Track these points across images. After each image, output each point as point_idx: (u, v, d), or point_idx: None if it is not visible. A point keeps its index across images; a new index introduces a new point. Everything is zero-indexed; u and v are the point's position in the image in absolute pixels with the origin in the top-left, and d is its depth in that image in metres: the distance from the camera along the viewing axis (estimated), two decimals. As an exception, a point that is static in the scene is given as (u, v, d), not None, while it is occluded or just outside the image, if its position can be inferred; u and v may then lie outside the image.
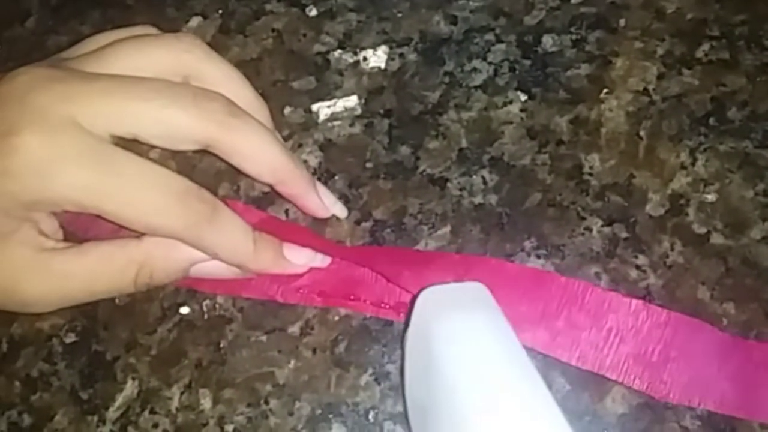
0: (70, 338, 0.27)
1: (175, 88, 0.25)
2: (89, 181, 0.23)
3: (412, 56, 0.32)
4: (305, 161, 0.30)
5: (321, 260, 0.28)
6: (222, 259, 0.26)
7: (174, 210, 0.24)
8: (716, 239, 0.27)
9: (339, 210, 0.29)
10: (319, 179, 0.29)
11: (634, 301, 0.26)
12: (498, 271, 0.27)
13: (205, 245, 0.25)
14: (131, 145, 0.24)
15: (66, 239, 0.26)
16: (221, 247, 0.25)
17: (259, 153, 0.26)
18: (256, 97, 0.28)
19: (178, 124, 0.24)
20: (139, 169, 0.24)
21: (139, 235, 0.25)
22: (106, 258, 0.25)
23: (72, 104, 0.24)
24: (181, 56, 0.26)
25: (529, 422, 0.19)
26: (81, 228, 0.27)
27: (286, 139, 0.30)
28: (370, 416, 0.25)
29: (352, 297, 0.27)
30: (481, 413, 0.19)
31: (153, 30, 0.28)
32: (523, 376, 0.20)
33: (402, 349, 0.25)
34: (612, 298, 0.26)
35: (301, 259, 0.27)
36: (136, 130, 0.24)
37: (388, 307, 0.27)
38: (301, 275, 0.27)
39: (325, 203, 0.28)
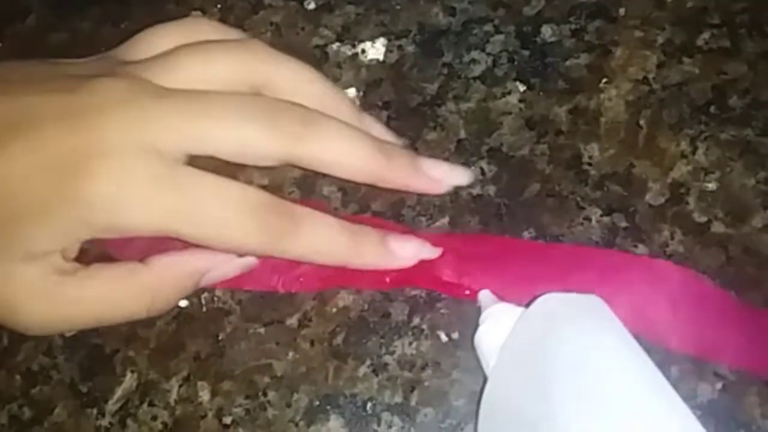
0: (70, 332, 0.28)
1: (249, 104, 0.25)
2: (165, 208, 0.23)
3: (410, 48, 0.32)
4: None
5: (430, 251, 0.26)
6: (320, 263, 0.25)
7: (252, 227, 0.24)
8: (717, 228, 0.27)
9: (459, 176, 0.27)
10: (316, 173, 0.29)
11: (643, 259, 0.26)
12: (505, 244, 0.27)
13: (296, 256, 0.25)
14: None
15: (97, 258, 0.25)
16: (316, 253, 0.25)
17: (343, 159, 0.25)
18: (330, 89, 0.27)
19: (255, 144, 0.24)
20: (215, 190, 0.23)
21: (144, 259, 0.25)
22: (116, 283, 0.24)
23: (147, 128, 0.23)
24: (248, 65, 0.26)
25: None
26: (115, 246, 0.26)
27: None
28: (368, 407, 0.25)
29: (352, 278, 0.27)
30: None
31: (204, 22, 0.28)
32: (657, 390, 0.20)
33: (479, 352, 0.24)
34: (620, 259, 0.26)
35: (408, 251, 0.26)
36: (213, 151, 0.24)
37: (387, 280, 0.27)
38: (300, 264, 0.27)
39: (439, 177, 0.27)
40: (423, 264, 0.27)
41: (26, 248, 0.23)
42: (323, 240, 0.25)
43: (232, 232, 0.24)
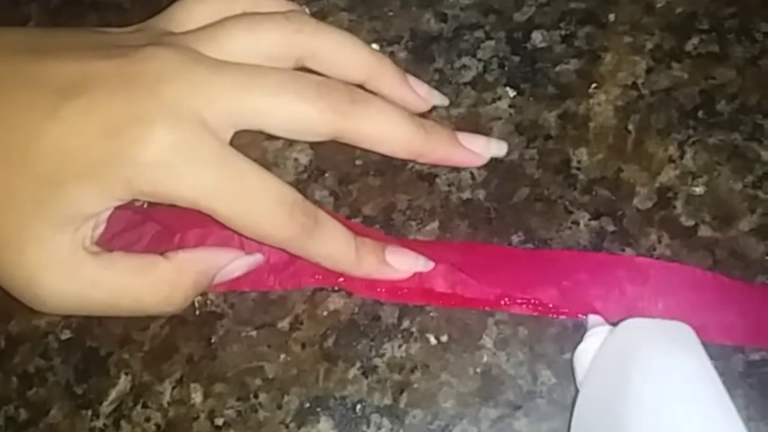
0: (66, 335, 0.28)
1: (298, 80, 0.25)
2: (210, 184, 0.24)
3: (402, 54, 0.32)
4: (296, 159, 0.30)
5: (424, 264, 0.27)
6: (325, 266, 0.26)
7: (282, 221, 0.24)
8: (704, 232, 0.27)
9: (496, 148, 0.29)
10: (308, 177, 0.30)
11: (626, 257, 0.27)
12: (497, 253, 0.28)
13: (307, 254, 0.26)
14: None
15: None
16: (324, 256, 0.26)
17: (387, 134, 0.26)
18: (373, 55, 0.28)
19: (304, 119, 0.25)
20: (258, 178, 0.24)
21: (163, 252, 0.25)
22: (136, 272, 0.25)
23: (199, 99, 0.24)
24: (292, 37, 0.26)
25: None
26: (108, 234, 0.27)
27: (276, 137, 0.30)
28: (358, 409, 0.26)
29: (341, 279, 0.27)
30: None
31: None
32: (729, 425, 0.20)
33: (575, 366, 0.24)
34: (605, 258, 0.27)
35: (404, 264, 0.27)
36: (262, 125, 0.25)
37: (381, 291, 0.27)
38: (294, 261, 0.27)
39: (478, 150, 0.28)
40: (416, 275, 0.27)
41: (66, 211, 0.23)
42: (336, 246, 0.26)
43: (265, 222, 0.24)
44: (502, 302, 0.26)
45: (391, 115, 0.27)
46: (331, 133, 0.26)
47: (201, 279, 0.26)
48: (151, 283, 0.25)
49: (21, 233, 0.23)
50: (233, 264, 0.27)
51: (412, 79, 0.29)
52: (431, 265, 0.27)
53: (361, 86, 0.28)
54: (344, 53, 0.27)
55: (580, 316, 0.26)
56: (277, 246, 0.25)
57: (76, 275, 0.24)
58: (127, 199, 0.24)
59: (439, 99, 0.30)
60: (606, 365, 0.23)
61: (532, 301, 0.26)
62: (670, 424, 0.20)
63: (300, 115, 0.25)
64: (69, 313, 0.26)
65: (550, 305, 0.26)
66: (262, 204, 0.24)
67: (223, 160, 0.24)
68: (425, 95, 0.29)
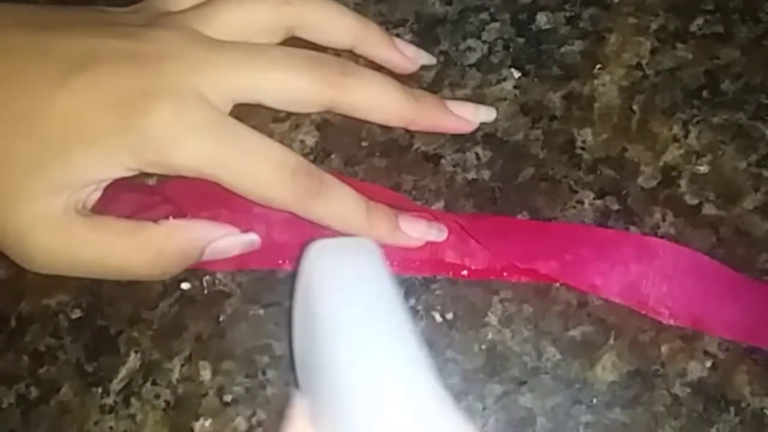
0: (76, 314, 0.28)
1: (293, 56, 0.27)
2: (213, 151, 0.25)
3: (407, 36, 0.32)
4: (302, 141, 0.30)
5: (437, 233, 0.28)
6: (335, 228, 0.27)
7: (286, 184, 0.25)
8: (708, 210, 0.27)
9: (484, 113, 0.29)
10: (315, 159, 0.30)
11: (636, 236, 0.27)
12: (505, 222, 0.28)
13: (316, 217, 0.26)
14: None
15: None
16: (332, 218, 0.26)
17: (378, 103, 0.28)
18: (359, 20, 0.29)
19: (300, 91, 0.27)
20: (259, 143, 0.25)
21: (156, 219, 0.26)
22: (125, 233, 0.26)
23: (199, 76, 0.25)
24: (281, 9, 0.28)
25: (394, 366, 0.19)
26: (95, 209, 0.27)
27: (283, 119, 0.31)
28: (364, 385, 0.26)
29: None
30: (353, 364, 0.18)
31: None
32: (392, 322, 0.20)
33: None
34: (613, 235, 0.27)
35: (416, 231, 0.27)
36: (259, 98, 0.27)
37: (393, 264, 0.27)
38: (304, 242, 0.27)
39: (467, 116, 0.29)
40: (427, 246, 0.27)
41: (68, 175, 0.25)
42: (344, 208, 0.27)
43: (268, 186, 0.25)
44: (505, 274, 0.27)
45: (382, 85, 0.28)
46: (324, 104, 0.27)
47: (189, 248, 0.27)
48: (138, 245, 0.26)
49: (18, 189, 0.25)
50: (226, 241, 0.27)
51: (399, 42, 0.30)
52: (444, 233, 0.27)
53: (350, 52, 0.29)
54: (331, 21, 0.29)
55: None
56: (285, 209, 0.26)
57: (66, 233, 0.25)
58: (132, 168, 0.25)
59: (426, 59, 0.31)
60: (298, 292, 0.22)
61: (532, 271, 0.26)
62: (344, 318, 0.19)
63: (294, 88, 0.26)
64: (56, 272, 0.26)
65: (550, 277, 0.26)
66: (263, 168, 0.25)
67: (223, 128, 0.25)
68: (413, 56, 0.30)
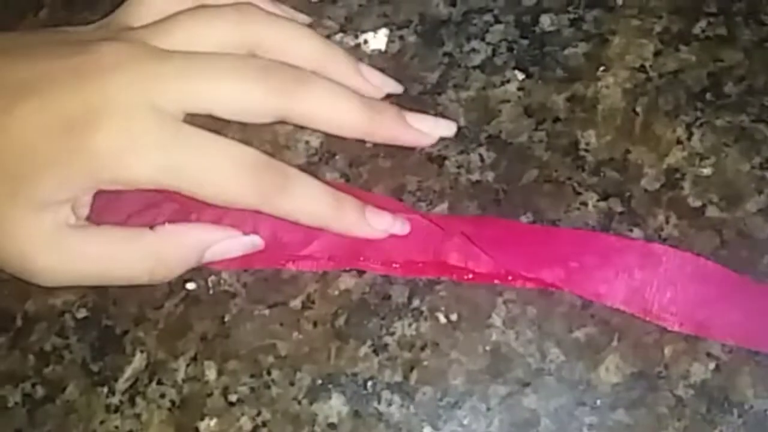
0: (82, 313, 0.28)
1: (244, 63, 0.26)
2: (166, 161, 0.25)
3: (411, 38, 0.32)
4: (307, 142, 0.30)
5: (401, 227, 0.28)
6: (305, 223, 0.27)
7: (247, 181, 0.25)
8: (711, 212, 0.27)
9: (444, 128, 0.29)
10: (320, 159, 0.30)
11: (640, 242, 0.27)
12: (509, 228, 0.28)
13: (284, 212, 0.26)
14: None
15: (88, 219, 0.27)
16: (301, 212, 0.26)
17: (335, 115, 0.27)
18: (325, 45, 0.29)
19: (252, 100, 0.26)
20: (213, 145, 0.25)
21: (151, 225, 0.26)
22: (121, 244, 0.26)
23: (148, 87, 0.25)
24: (241, 26, 0.27)
25: None
26: (99, 208, 0.27)
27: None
28: (369, 386, 0.26)
29: (361, 258, 0.28)
30: None
31: None
32: None
33: None
34: (617, 242, 0.27)
35: (381, 224, 0.27)
36: (211, 108, 0.26)
37: (397, 266, 0.27)
38: (310, 242, 0.28)
39: (425, 130, 0.29)
40: (431, 248, 0.27)
41: (38, 198, 0.25)
42: (312, 201, 0.26)
43: (229, 187, 0.25)
44: (510, 278, 0.27)
45: (338, 95, 0.27)
46: (277, 113, 0.27)
47: (186, 253, 0.27)
48: (136, 255, 0.26)
49: (3, 221, 0.25)
50: (226, 243, 0.27)
51: (364, 68, 0.30)
52: (407, 228, 0.28)
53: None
54: (294, 43, 0.28)
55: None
56: (252, 208, 0.26)
57: (65, 250, 0.25)
58: (92, 187, 0.25)
59: (392, 86, 0.30)
60: None
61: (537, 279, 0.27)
62: None
63: (246, 97, 0.26)
64: (65, 285, 0.27)
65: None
66: (221, 168, 0.25)
67: (174, 136, 0.25)
68: (379, 84, 0.30)
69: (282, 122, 0.30)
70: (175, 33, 0.27)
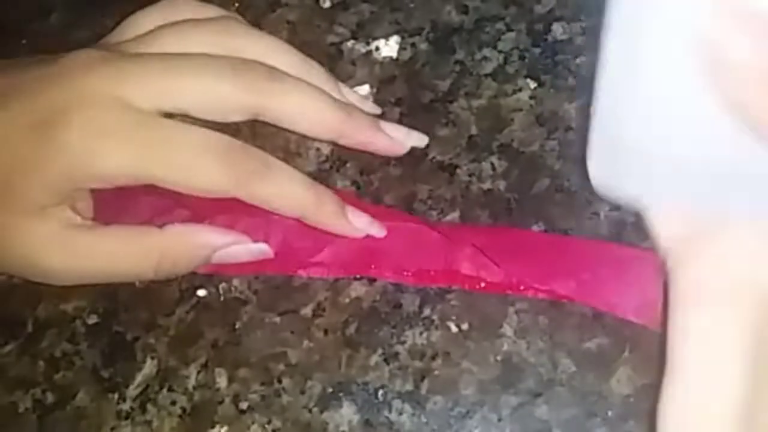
0: (93, 320, 0.29)
1: (217, 61, 0.26)
2: (137, 153, 0.25)
3: (423, 46, 0.32)
4: (317, 149, 0.30)
5: (378, 229, 0.28)
6: (283, 212, 0.27)
7: (221, 168, 0.25)
8: (723, 223, 0.27)
9: (416, 139, 0.29)
10: (330, 167, 0.30)
11: (651, 253, 0.26)
12: (521, 238, 0.28)
13: (261, 200, 0.26)
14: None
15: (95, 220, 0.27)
16: (279, 198, 0.26)
17: (307, 112, 0.27)
18: (303, 60, 0.29)
19: (224, 97, 0.26)
20: (186, 132, 0.25)
21: (162, 224, 0.27)
22: (126, 241, 0.26)
23: (121, 85, 0.25)
24: (220, 39, 0.28)
25: None
26: (111, 215, 0.28)
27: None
28: (380, 395, 0.26)
29: (373, 266, 0.28)
30: None
31: (182, 2, 0.29)
32: None
33: None
34: (630, 253, 0.27)
35: (360, 223, 0.28)
36: (184, 105, 0.26)
37: (408, 274, 0.27)
38: (321, 249, 0.28)
39: (398, 138, 0.29)
40: (442, 258, 0.27)
41: (30, 204, 0.25)
42: (291, 186, 0.26)
43: (202, 173, 0.25)
44: (522, 287, 0.27)
45: (311, 94, 0.27)
46: (249, 111, 0.26)
47: (193, 252, 0.27)
48: (141, 252, 0.26)
49: (5, 229, 0.25)
50: (234, 249, 0.27)
51: (343, 87, 0.30)
52: (383, 232, 0.28)
53: None
54: (274, 54, 0.28)
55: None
56: (230, 195, 0.26)
57: (71, 251, 0.26)
58: (72, 188, 0.25)
59: (369, 107, 0.30)
60: None
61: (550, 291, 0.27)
62: None
63: (217, 94, 0.26)
64: (74, 283, 0.27)
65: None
66: (193, 155, 0.25)
67: (144, 128, 0.25)
68: (355, 101, 0.29)
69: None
70: (154, 44, 0.27)
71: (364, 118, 0.28)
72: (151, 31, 0.28)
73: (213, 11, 0.29)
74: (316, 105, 0.27)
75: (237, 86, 0.26)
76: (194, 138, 0.25)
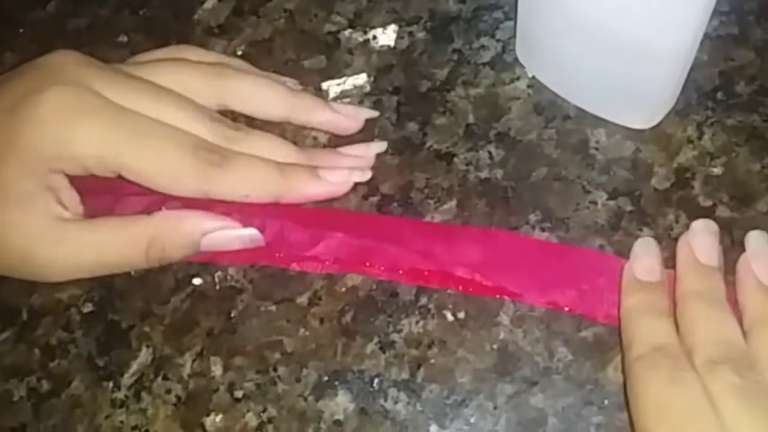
0: (88, 308, 0.28)
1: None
2: (110, 133, 0.26)
3: (420, 34, 0.32)
4: (315, 138, 0.30)
5: (360, 174, 0.28)
6: (253, 195, 0.27)
7: (189, 159, 0.26)
8: (722, 212, 0.27)
9: (367, 112, 0.30)
10: (328, 155, 0.30)
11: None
12: (522, 244, 0.27)
13: (227, 186, 0.27)
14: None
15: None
16: (245, 182, 0.27)
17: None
18: (290, 93, 0.30)
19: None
20: (155, 126, 0.26)
21: (150, 212, 0.27)
22: (115, 230, 0.26)
23: (99, 81, 0.26)
24: (212, 81, 0.29)
25: None
26: (103, 210, 0.28)
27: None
28: (375, 383, 0.26)
29: (367, 264, 0.27)
30: None
31: (186, 47, 0.31)
32: None
33: None
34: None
35: (337, 177, 0.28)
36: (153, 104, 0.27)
37: (401, 272, 0.27)
38: (316, 243, 0.28)
39: (349, 114, 0.30)
40: (436, 260, 0.27)
41: (11, 193, 0.25)
42: (253, 173, 0.27)
43: (173, 164, 0.26)
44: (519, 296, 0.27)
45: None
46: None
47: (182, 237, 0.27)
48: (130, 239, 0.26)
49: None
50: (224, 234, 0.27)
51: (333, 103, 0.30)
52: (368, 175, 0.28)
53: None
54: (264, 94, 0.29)
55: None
56: (195, 186, 0.26)
57: (60, 241, 0.26)
58: (46, 169, 0.26)
59: (366, 113, 0.30)
60: None
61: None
62: None
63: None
64: (66, 278, 0.27)
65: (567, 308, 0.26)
66: (165, 146, 0.26)
67: (114, 112, 0.26)
68: (351, 113, 0.30)
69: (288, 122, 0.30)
70: (146, 73, 0.28)
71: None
72: (148, 62, 0.29)
73: (214, 57, 0.30)
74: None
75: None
76: (163, 130, 0.26)
